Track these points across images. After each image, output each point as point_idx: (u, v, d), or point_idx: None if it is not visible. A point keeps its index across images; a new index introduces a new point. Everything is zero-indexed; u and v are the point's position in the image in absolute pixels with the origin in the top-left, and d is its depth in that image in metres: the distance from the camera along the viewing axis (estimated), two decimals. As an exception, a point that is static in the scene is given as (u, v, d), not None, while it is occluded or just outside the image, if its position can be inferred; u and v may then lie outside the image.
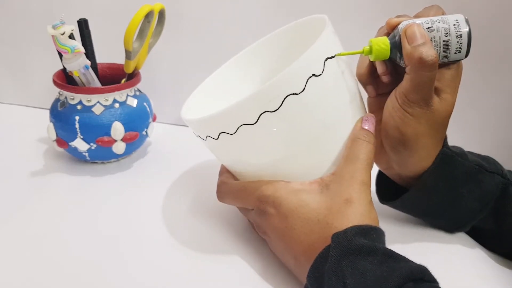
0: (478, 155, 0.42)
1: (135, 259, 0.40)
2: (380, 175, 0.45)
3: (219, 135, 0.36)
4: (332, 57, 0.35)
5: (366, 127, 0.37)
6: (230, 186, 0.41)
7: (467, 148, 0.41)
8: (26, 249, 0.41)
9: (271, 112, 0.34)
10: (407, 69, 0.35)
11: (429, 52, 0.33)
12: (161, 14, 0.54)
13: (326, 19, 0.38)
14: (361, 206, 0.34)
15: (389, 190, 0.44)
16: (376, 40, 0.36)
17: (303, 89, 0.33)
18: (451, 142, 0.40)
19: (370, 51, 0.36)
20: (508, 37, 0.53)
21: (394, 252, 0.31)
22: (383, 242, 0.33)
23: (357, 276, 0.29)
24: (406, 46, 0.34)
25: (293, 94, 0.33)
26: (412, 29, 0.34)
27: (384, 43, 0.36)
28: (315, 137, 0.36)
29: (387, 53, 0.36)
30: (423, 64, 0.33)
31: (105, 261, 0.39)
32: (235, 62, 0.48)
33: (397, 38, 0.35)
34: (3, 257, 0.39)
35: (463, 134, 0.57)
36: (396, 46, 0.35)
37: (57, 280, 0.37)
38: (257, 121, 0.34)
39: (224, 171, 0.44)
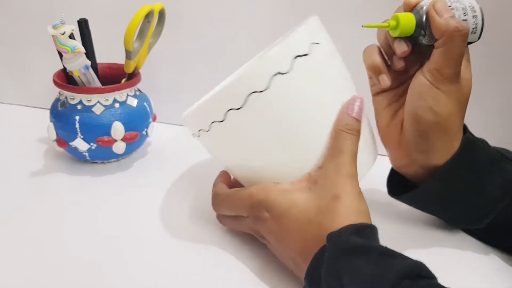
0: (495, 147, 0.41)
1: (135, 259, 0.40)
2: (392, 175, 0.44)
3: (210, 126, 0.37)
4: (305, 54, 0.35)
5: (352, 114, 0.36)
6: (223, 197, 0.41)
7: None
8: (26, 249, 0.41)
9: (236, 109, 0.34)
10: (438, 43, 0.35)
11: (461, 22, 0.34)
12: (161, 14, 0.54)
13: (313, 19, 0.37)
14: (349, 201, 0.34)
15: (399, 188, 0.43)
16: (403, 15, 0.35)
17: (267, 88, 0.34)
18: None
19: (395, 26, 0.35)
20: (508, 37, 0.53)
21: (390, 249, 0.31)
22: (377, 239, 0.33)
23: (354, 275, 0.29)
24: (437, 19, 0.34)
25: (255, 92, 0.34)
26: (442, 2, 0.34)
27: (410, 17, 0.35)
28: (292, 131, 0.36)
29: (412, 28, 0.35)
30: (460, 33, 0.33)
31: (105, 261, 0.39)
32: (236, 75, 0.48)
33: (421, 14, 0.35)
34: (3, 257, 0.39)
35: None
36: (419, 24, 0.35)
37: (57, 280, 0.37)
38: (243, 105, 0.34)
39: (218, 182, 0.44)
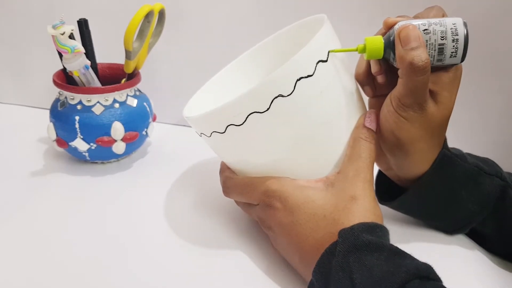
0: (477, 157, 0.42)
1: (135, 258, 0.40)
2: (380, 175, 0.45)
3: (226, 128, 0.36)
4: (325, 60, 0.35)
5: (368, 125, 0.38)
6: (236, 181, 0.41)
7: (465, 148, 0.41)
8: (26, 249, 0.41)
9: (260, 113, 0.34)
10: (399, 72, 0.35)
11: (421, 56, 0.33)
12: (161, 14, 0.54)
13: (325, 19, 0.38)
14: (366, 203, 0.35)
15: (390, 190, 0.44)
16: (370, 39, 0.36)
17: (292, 92, 0.34)
18: (449, 142, 0.40)
19: (364, 49, 0.36)
20: (508, 37, 0.53)
21: (400, 249, 0.31)
22: (388, 240, 0.34)
23: (364, 271, 0.29)
24: (398, 48, 0.34)
25: (280, 96, 0.34)
26: (406, 31, 0.33)
27: (378, 42, 0.35)
28: (310, 137, 0.36)
29: (380, 53, 0.35)
30: (414, 68, 0.33)
31: (105, 261, 0.39)
32: (236, 65, 0.48)
33: (391, 38, 0.35)
34: (3, 257, 0.39)
35: (461, 134, 0.57)
36: (390, 46, 0.35)
37: (57, 280, 0.37)
38: (268, 108, 0.34)
39: (226, 168, 0.43)
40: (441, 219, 0.43)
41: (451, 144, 0.40)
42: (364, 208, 0.34)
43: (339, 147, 0.38)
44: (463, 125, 0.58)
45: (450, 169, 0.38)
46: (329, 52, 0.35)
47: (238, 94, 0.34)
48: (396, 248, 0.31)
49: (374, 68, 0.38)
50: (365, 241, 0.31)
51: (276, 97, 0.34)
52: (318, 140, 0.37)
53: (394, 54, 0.35)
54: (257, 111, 0.34)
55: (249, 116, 0.34)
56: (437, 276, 0.30)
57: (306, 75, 0.34)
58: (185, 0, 0.61)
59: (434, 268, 0.30)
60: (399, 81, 0.35)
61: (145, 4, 0.50)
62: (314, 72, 0.34)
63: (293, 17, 0.45)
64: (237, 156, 0.40)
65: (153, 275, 0.38)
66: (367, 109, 0.42)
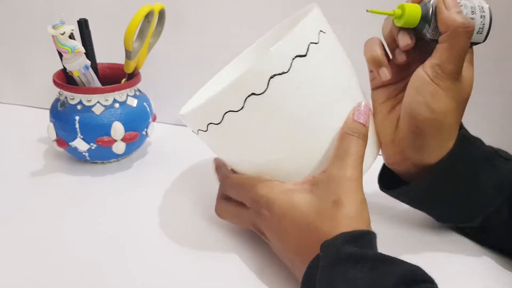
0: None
1: (135, 258, 0.40)
2: (384, 171, 0.43)
3: (207, 127, 0.36)
4: (304, 55, 0.34)
5: (360, 120, 0.36)
6: (232, 180, 0.41)
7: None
8: (26, 249, 0.41)
9: (235, 111, 0.34)
10: (442, 38, 0.34)
11: (468, 19, 0.33)
12: (161, 14, 0.54)
13: (311, 9, 0.36)
14: (350, 208, 0.33)
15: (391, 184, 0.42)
16: (409, 5, 0.35)
17: (265, 90, 0.33)
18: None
19: (400, 15, 0.35)
20: (508, 37, 0.53)
21: (385, 255, 0.31)
22: (375, 245, 0.33)
23: (348, 285, 0.29)
24: (445, 12, 0.34)
25: (253, 94, 0.33)
26: None
27: (417, 8, 0.35)
28: (291, 136, 0.35)
29: (418, 19, 0.35)
30: (465, 29, 0.33)
31: (105, 261, 0.39)
32: (235, 64, 0.48)
33: (428, 7, 0.35)
34: (3, 257, 0.39)
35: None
36: (425, 17, 0.35)
37: (57, 280, 0.37)
38: (242, 107, 0.34)
39: (222, 165, 0.43)
40: (455, 205, 0.40)
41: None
42: (347, 215, 0.32)
43: (326, 144, 0.36)
44: (464, 124, 0.57)
45: (469, 150, 0.37)
46: (309, 44, 0.34)
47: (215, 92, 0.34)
48: (381, 255, 0.31)
49: (405, 40, 0.36)
50: (347, 253, 0.30)
51: (249, 96, 0.33)
52: (301, 138, 0.36)
53: (429, 24, 0.35)
54: (232, 110, 0.34)
55: (225, 115, 0.34)
56: (427, 276, 0.29)
57: (280, 72, 0.33)
58: (185, 0, 0.61)
59: (422, 269, 0.29)
60: (440, 47, 0.34)
61: (145, 4, 0.50)
62: (289, 69, 0.33)
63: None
64: (227, 156, 0.40)
65: (152, 275, 0.38)
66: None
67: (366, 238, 0.32)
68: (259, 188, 0.37)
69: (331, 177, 0.34)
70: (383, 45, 0.38)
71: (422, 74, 0.35)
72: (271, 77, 0.33)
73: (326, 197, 0.34)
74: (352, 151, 0.35)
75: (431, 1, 0.35)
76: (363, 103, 0.37)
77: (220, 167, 0.44)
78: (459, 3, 0.35)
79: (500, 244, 0.42)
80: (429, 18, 0.35)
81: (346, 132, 0.35)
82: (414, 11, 0.35)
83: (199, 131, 0.38)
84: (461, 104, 0.36)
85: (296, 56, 0.33)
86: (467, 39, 0.33)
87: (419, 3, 0.36)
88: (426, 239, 0.44)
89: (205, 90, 0.46)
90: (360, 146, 0.35)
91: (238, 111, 0.34)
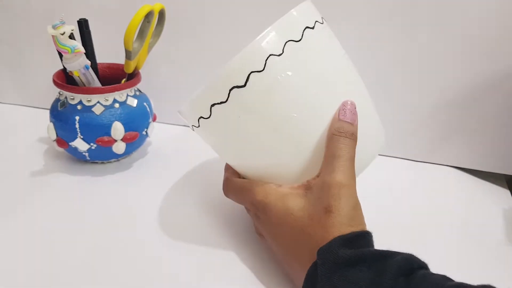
0: None
1: (135, 258, 0.40)
2: None
3: (199, 121, 0.37)
4: (279, 54, 0.33)
5: (345, 119, 0.34)
6: (232, 184, 0.41)
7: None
8: (26, 248, 0.41)
9: (219, 104, 0.34)
10: None
11: None
12: (161, 14, 0.54)
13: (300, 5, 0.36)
14: (340, 216, 0.32)
15: None
16: None
17: (245, 83, 0.33)
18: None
19: None
20: (508, 37, 0.53)
21: (380, 251, 0.31)
22: (371, 244, 0.33)
23: (351, 287, 0.29)
24: None
25: (236, 87, 0.33)
26: None
27: None
28: (277, 136, 0.35)
29: None
30: None
31: (105, 261, 0.39)
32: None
33: None
34: (3, 257, 0.39)
35: (463, 135, 0.57)
36: None
37: (58, 279, 0.37)
38: (227, 99, 0.34)
39: (229, 167, 0.43)
40: None
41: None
42: (338, 222, 0.32)
43: (316, 146, 0.35)
44: (464, 124, 0.58)
45: None
46: (286, 42, 0.34)
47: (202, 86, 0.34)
48: (376, 251, 0.31)
49: None
50: (345, 256, 0.30)
51: (232, 88, 0.33)
52: (288, 140, 0.35)
53: None
54: (216, 102, 0.34)
55: (212, 108, 0.35)
56: (421, 262, 0.30)
57: (258, 70, 0.33)
58: (185, 0, 0.61)
59: (415, 255, 0.30)
60: None
61: (145, 4, 0.50)
62: (264, 67, 0.33)
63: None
64: (220, 152, 0.40)
65: (153, 275, 0.38)
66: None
67: (361, 239, 0.32)
68: (256, 192, 0.37)
69: (322, 183, 0.34)
70: None
71: None
72: (250, 73, 0.33)
73: (318, 204, 0.33)
74: (340, 153, 0.33)
75: None
76: (349, 101, 0.35)
77: (227, 169, 0.44)
78: None
79: None
80: None
81: (332, 133, 0.34)
82: None
83: (193, 126, 0.38)
84: None
85: (270, 55, 0.33)
86: None
87: None
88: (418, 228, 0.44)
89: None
90: (349, 147, 0.34)
91: (222, 103, 0.34)
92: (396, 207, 0.50)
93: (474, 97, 0.56)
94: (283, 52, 0.33)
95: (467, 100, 0.56)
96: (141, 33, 0.53)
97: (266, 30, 0.33)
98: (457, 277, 0.29)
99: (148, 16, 0.51)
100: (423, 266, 0.30)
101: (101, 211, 0.47)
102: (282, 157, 0.36)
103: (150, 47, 0.56)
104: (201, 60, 0.64)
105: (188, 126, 0.40)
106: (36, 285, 0.37)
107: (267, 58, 0.33)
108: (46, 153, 0.59)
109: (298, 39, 0.34)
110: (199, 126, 0.37)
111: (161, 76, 0.67)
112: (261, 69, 0.33)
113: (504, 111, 0.54)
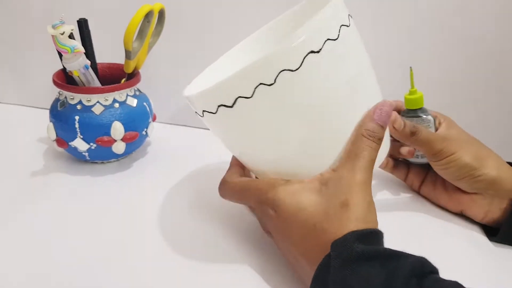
0: None
1: (135, 258, 0.40)
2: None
3: (217, 108, 0.35)
4: (317, 51, 0.32)
5: (377, 118, 0.35)
6: (231, 185, 0.40)
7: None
8: (26, 249, 0.41)
9: (246, 98, 0.33)
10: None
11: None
12: (161, 14, 0.54)
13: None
14: (357, 211, 0.33)
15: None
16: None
17: (300, 66, 0.32)
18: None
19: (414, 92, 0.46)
20: (508, 37, 0.53)
21: (393, 250, 0.31)
22: (382, 243, 0.33)
23: (362, 282, 0.29)
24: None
25: (288, 70, 0.32)
26: None
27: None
28: (310, 123, 0.34)
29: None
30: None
31: (104, 261, 0.39)
32: (245, 45, 0.47)
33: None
34: (3, 257, 0.39)
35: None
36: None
37: (57, 279, 0.37)
38: (252, 95, 0.33)
39: (231, 166, 0.43)
40: None
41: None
42: (355, 217, 0.32)
43: (338, 142, 0.35)
44: (464, 124, 0.57)
45: None
46: (341, 26, 0.33)
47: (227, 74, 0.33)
48: (390, 250, 0.31)
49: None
50: (359, 251, 0.30)
51: (258, 85, 0.33)
52: (312, 134, 0.35)
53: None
54: (242, 96, 0.33)
55: (236, 100, 0.34)
56: (432, 266, 0.30)
57: (293, 69, 0.32)
58: (185, 0, 0.61)
59: (427, 259, 0.30)
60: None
61: (145, 4, 0.50)
62: (300, 66, 0.32)
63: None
64: (235, 142, 0.39)
65: (152, 275, 0.38)
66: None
67: (374, 236, 0.32)
68: (264, 190, 0.36)
69: (341, 178, 0.34)
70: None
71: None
72: (280, 72, 0.32)
73: (334, 198, 0.33)
74: (365, 155, 0.34)
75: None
76: (388, 102, 0.36)
77: (229, 169, 0.43)
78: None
79: None
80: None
81: (362, 134, 0.35)
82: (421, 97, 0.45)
83: (205, 112, 0.37)
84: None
85: (310, 52, 0.32)
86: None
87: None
88: (426, 228, 0.44)
89: (211, 71, 0.45)
90: (374, 151, 0.35)
91: (248, 98, 0.33)
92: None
93: (478, 98, 0.56)
94: (320, 50, 0.33)
95: (473, 100, 0.55)
96: (141, 33, 0.53)
97: (319, 13, 0.32)
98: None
99: (148, 16, 0.51)
100: (434, 271, 0.30)
101: (101, 211, 0.47)
102: (305, 149, 0.35)
103: (150, 47, 0.56)
104: (201, 60, 0.64)
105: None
106: (36, 285, 0.37)
107: (305, 56, 0.32)
108: (46, 153, 0.59)
109: (335, 38, 0.33)
110: (216, 112, 0.36)
111: (161, 76, 0.67)
112: (296, 67, 0.32)
113: None
